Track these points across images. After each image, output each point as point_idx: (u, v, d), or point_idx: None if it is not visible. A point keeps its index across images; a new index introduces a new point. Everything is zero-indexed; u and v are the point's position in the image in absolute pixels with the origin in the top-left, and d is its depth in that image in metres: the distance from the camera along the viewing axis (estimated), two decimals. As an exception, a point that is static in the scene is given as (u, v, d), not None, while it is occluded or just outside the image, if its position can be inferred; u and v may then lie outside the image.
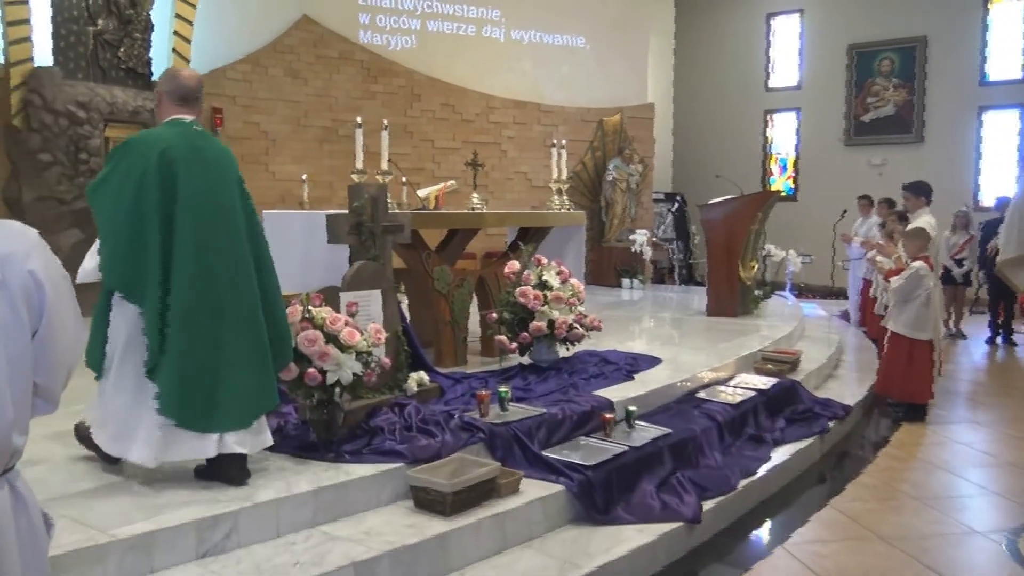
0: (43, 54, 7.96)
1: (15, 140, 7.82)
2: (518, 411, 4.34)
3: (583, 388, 4.99)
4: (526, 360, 5.52)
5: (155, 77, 8.68)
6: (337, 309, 3.98)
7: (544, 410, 4.34)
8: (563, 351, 5.62)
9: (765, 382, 5.76)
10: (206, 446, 3.21)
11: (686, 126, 15.67)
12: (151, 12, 8.64)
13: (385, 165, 5.23)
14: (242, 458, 3.30)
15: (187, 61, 9.05)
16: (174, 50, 8.95)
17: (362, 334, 3.79)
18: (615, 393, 4.92)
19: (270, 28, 10.05)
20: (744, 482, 4.45)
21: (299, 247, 5.15)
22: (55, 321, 1.70)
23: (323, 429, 3.80)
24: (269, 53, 10.02)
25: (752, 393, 5.49)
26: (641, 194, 12.53)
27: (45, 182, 7.75)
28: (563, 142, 6.79)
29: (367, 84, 10.77)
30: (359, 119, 5.19)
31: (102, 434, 3.28)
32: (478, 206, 6.10)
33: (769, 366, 6.21)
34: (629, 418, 4.57)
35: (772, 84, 15.14)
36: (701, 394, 5.39)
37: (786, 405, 5.65)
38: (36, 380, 1.69)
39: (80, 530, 2.84)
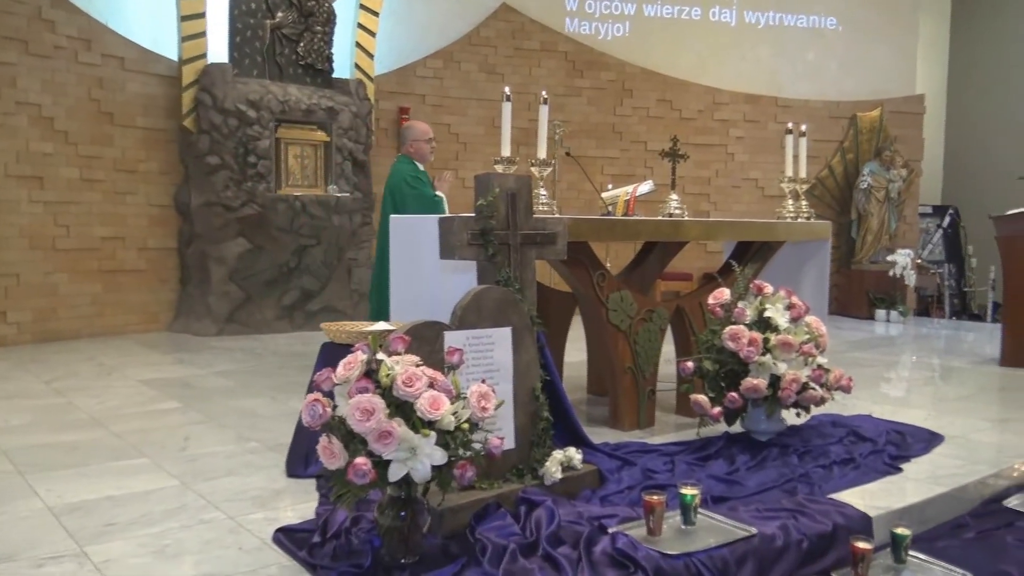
0: (219, 51, 7.43)
1: (187, 143, 7.33)
2: (711, 527, 2.76)
3: (820, 484, 3.29)
4: (736, 429, 3.90)
5: (336, 73, 7.96)
6: (439, 357, 2.66)
7: (754, 530, 2.72)
8: (792, 417, 3.94)
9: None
10: None
11: (962, 126, 12.90)
12: (334, 3, 7.90)
13: (543, 152, 3.84)
14: None
15: (371, 56, 8.26)
16: (358, 44, 8.17)
17: (455, 402, 2.42)
18: (872, 497, 3.18)
19: (465, 19, 9.06)
20: None
21: (432, 265, 3.83)
22: None
23: (397, 542, 2.46)
24: (463, 47, 9.03)
25: (1103, 506, 3.48)
26: (904, 205, 10.22)
27: (212, 187, 7.18)
28: (803, 128, 5.05)
29: (572, 79, 9.48)
30: (507, 89, 3.82)
31: None
32: (677, 212, 4.54)
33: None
34: (897, 547, 2.81)
35: (1081, 72, 12.05)
36: (1013, 502, 3.47)
37: None
38: None
39: None
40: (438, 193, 5.53)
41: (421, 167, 5.67)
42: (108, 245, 7.08)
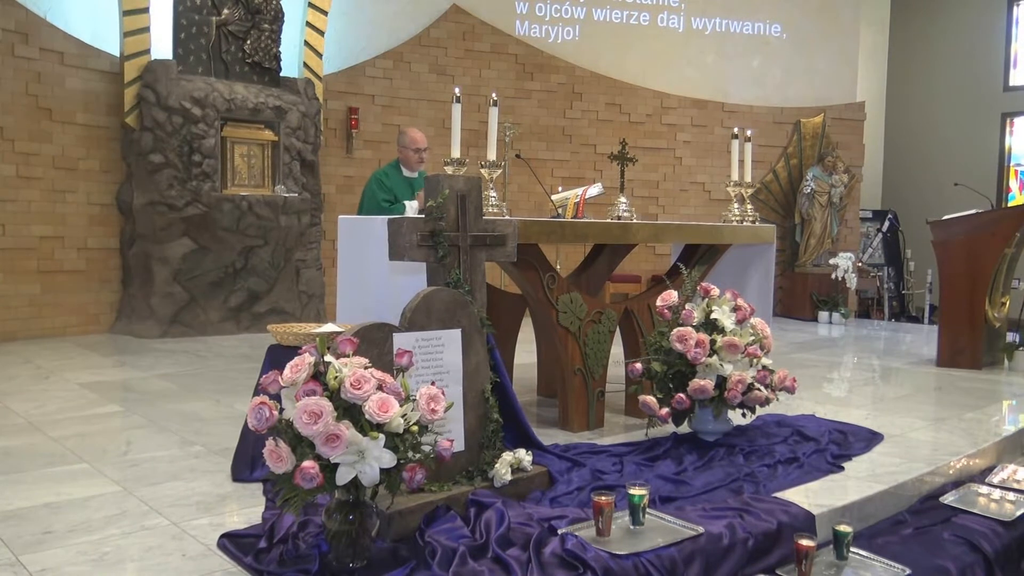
0: (163, 47, 7.27)
1: (130, 140, 7.17)
2: (659, 527, 2.79)
3: (765, 483, 3.35)
4: (684, 429, 3.95)
5: (284, 72, 7.85)
6: (387, 359, 2.64)
7: (701, 529, 2.76)
8: (738, 417, 4.00)
9: (1049, 482, 3.84)
10: None
11: (900, 133, 13.29)
12: (283, 1, 7.79)
13: (492, 154, 3.84)
14: None
15: (320, 56, 8.18)
16: (306, 43, 8.08)
17: (405, 404, 2.40)
18: (815, 496, 3.25)
19: (415, 20, 9.02)
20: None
21: (381, 266, 3.80)
22: None
23: (345, 547, 2.44)
24: (413, 47, 8.99)
25: (1033, 501, 3.61)
26: (845, 210, 10.47)
27: (156, 186, 7.02)
28: (748, 133, 5.15)
29: (522, 81, 9.51)
30: (457, 90, 3.81)
31: None
32: (625, 214, 4.58)
33: (1049, 453, 4.25)
34: (840, 544, 2.89)
35: (1012, 82, 12.47)
36: (949, 499, 3.58)
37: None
38: None
39: None
40: (408, 202, 5.46)
41: (406, 172, 5.87)
42: (46, 244, 6.88)
